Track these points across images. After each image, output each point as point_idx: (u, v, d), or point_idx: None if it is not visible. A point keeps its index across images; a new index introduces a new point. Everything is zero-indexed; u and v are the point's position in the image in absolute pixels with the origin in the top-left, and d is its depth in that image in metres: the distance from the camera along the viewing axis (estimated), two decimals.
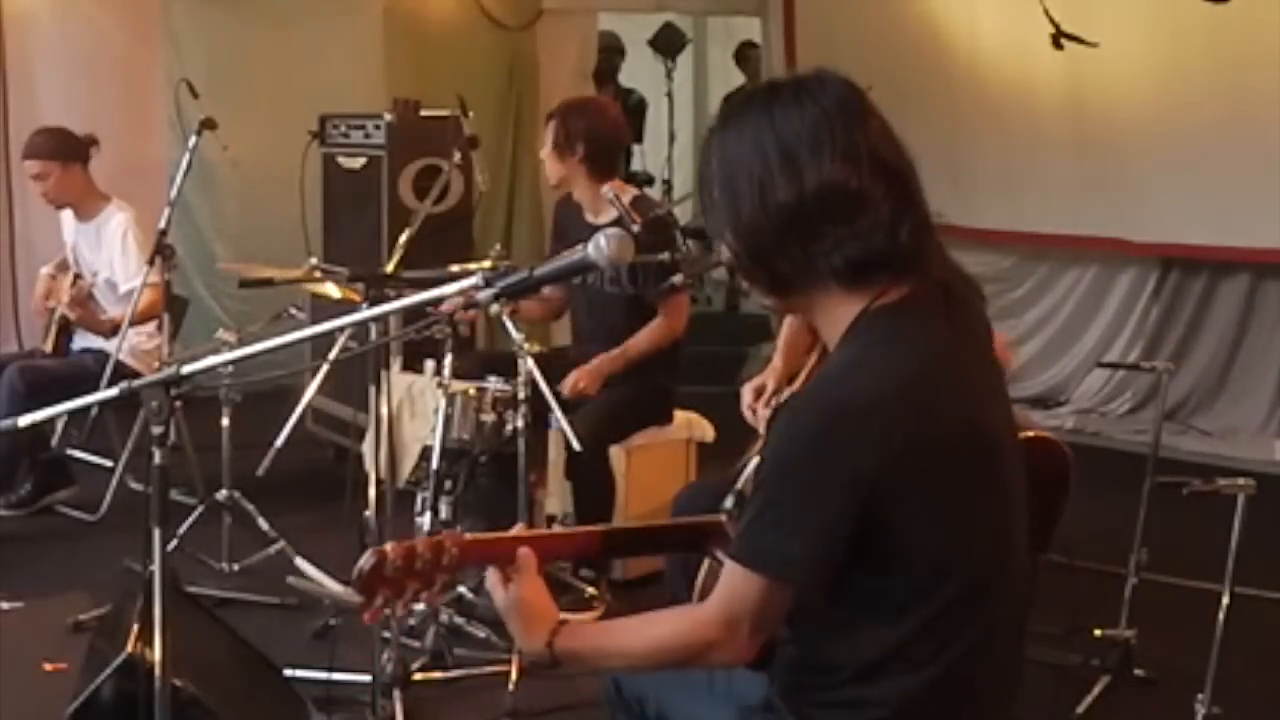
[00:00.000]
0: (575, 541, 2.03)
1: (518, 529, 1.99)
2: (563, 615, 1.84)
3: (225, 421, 4.19)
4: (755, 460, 2.05)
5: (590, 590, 3.97)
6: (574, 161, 4.18)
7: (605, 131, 4.25)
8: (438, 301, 2.02)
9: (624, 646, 1.83)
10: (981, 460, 1.74)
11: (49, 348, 5.05)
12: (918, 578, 1.69)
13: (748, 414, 3.14)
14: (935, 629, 1.70)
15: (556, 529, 2.01)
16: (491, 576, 1.86)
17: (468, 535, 1.84)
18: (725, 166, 1.77)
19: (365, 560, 1.76)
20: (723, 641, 1.72)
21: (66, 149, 4.88)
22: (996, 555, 1.77)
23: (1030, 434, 2.82)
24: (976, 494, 1.73)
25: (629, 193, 4.24)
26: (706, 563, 2.16)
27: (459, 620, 3.79)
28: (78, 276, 5.03)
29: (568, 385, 4.03)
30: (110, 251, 4.90)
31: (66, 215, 5.08)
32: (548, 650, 1.80)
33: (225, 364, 2.02)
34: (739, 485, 2.03)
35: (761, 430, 3.07)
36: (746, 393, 3.13)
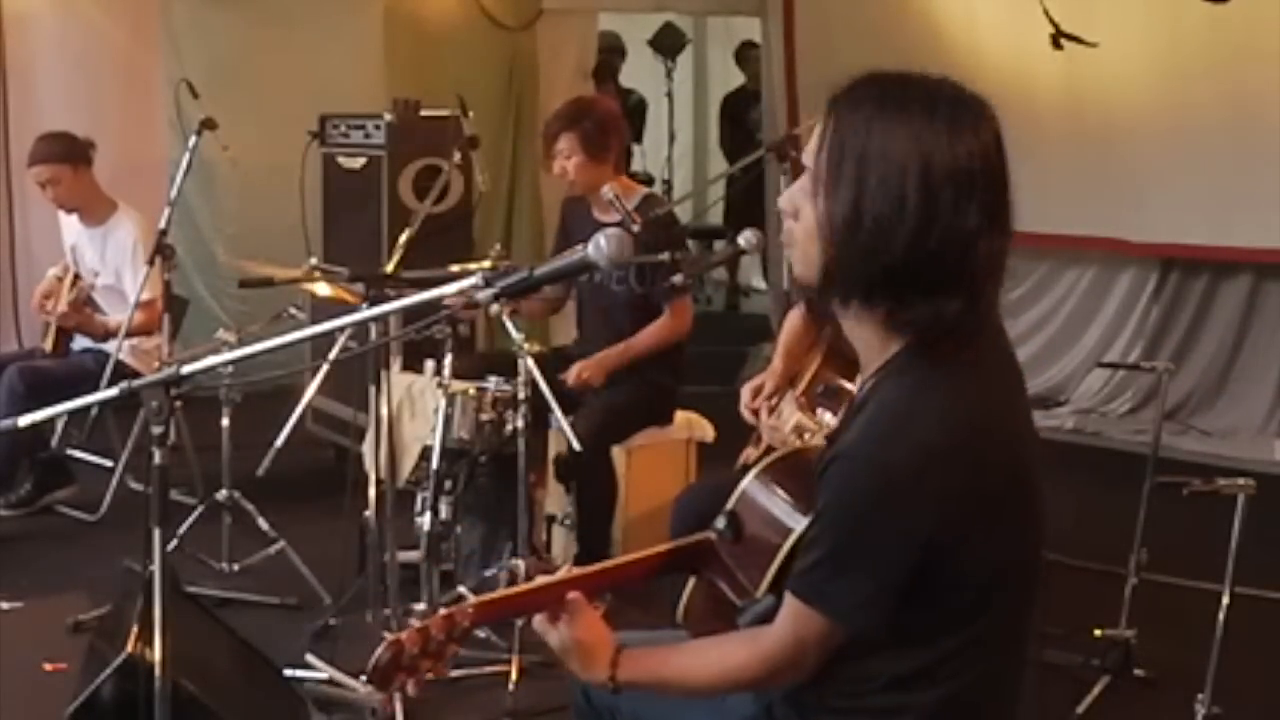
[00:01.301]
0: (571, 588, 2.01)
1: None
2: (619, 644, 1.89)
3: (225, 421, 4.18)
4: (748, 479, 2.03)
5: None
6: (610, 162, 4.13)
7: (622, 124, 4.26)
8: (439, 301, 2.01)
9: (686, 677, 1.88)
10: (1024, 495, 1.76)
11: (49, 347, 5.05)
12: (962, 608, 1.72)
13: (746, 414, 3.14)
14: (968, 650, 1.73)
15: (564, 572, 1.98)
16: (538, 623, 1.90)
17: (474, 600, 1.87)
18: (862, 161, 1.63)
19: (381, 654, 1.76)
20: (788, 671, 1.78)
21: (75, 152, 4.88)
22: (1028, 580, 1.80)
23: None
24: (1019, 530, 1.75)
25: (638, 191, 4.24)
26: (692, 581, 2.15)
27: None
28: (76, 277, 5.03)
29: (571, 375, 4.03)
30: (119, 262, 4.91)
31: (70, 218, 5.08)
32: (610, 682, 1.87)
33: (225, 364, 2.02)
34: (731, 505, 2.01)
35: (761, 429, 3.07)
36: (745, 393, 3.14)
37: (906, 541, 1.65)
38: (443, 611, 1.82)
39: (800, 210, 1.72)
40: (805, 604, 1.72)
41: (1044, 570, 1.84)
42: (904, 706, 1.75)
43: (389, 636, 1.78)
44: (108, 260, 4.94)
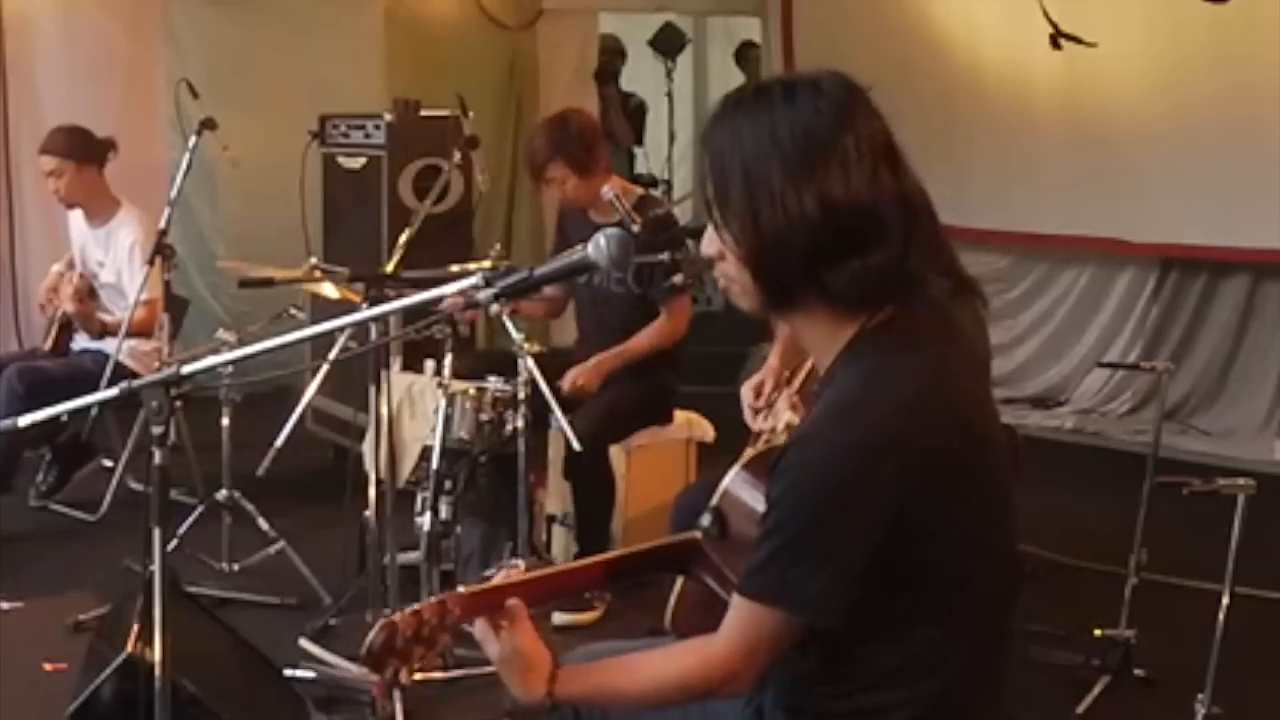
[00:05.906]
0: (576, 577, 2.01)
1: (513, 573, 1.96)
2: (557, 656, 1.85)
3: (225, 421, 4.18)
4: (731, 474, 2.02)
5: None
6: (602, 169, 4.14)
7: (600, 130, 4.26)
8: (438, 300, 2.01)
9: (627, 688, 1.82)
10: (985, 474, 1.75)
11: (48, 345, 5.06)
12: (932, 594, 1.71)
13: (748, 415, 3.13)
14: (945, 640, 1.72)
15: (559, 565, 1.98)
16: (480, 629, 1.84)
17: (464, 590, 1.84)
18: (739, 169, 1.69)
19: (375, 636, 1.74)
20: (741, 675, 1.73)
21: (82, 149, 4.88)
22: (1000, 562, 1.79)
23: None
24: (982, 510, 1.74)
25: (634, 193, 4.24)
26: (679, 584, 2.13)
27: None
28: (83, 276, 5.04)
29: (567, 381, 4.03)
30: (118, 261, 4.91)
31: (75, 216, 5.08)
32: (548, 698, 1.81)
33: (225, 364, 2.03)
34: (715, 502, 1.99)
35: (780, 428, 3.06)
36: (747, 392, 3.12)
37: (868, 524, 1.63)
38: (435, 598, 1.80)
39: (719, 248, 1.76)
40: (759, 602, 1.68)
41: (1025, 565, 1.84)
42: (895, 703, 1.73)
43: (383, 619, 1.78)
44: (110, 259, 4.95)
